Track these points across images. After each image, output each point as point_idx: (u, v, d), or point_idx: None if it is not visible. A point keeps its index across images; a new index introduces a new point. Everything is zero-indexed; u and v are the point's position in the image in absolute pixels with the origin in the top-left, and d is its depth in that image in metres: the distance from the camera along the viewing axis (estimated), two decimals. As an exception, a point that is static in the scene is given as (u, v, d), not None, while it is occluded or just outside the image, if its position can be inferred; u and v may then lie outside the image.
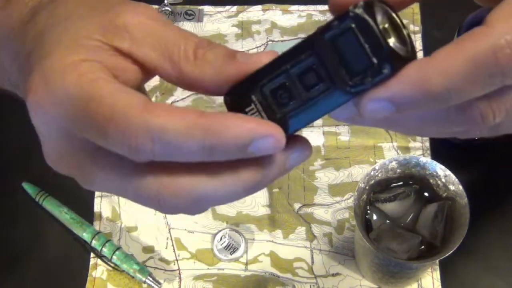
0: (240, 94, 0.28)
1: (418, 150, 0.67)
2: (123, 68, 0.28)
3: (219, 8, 0.77)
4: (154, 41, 0.28)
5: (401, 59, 0.25)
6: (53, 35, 0.28)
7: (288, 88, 0.27)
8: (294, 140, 0.28)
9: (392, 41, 0.25)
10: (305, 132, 0.68)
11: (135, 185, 0.27)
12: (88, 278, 0.62)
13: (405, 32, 0.26)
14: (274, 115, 0.28)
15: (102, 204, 0.66)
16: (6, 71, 0.32)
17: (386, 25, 0.25)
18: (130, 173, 0.27)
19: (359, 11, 0.25)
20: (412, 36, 0.30)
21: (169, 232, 0.64)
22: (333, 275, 0.62)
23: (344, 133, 0.68)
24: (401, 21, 0.26)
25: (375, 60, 0.25)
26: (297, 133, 0.29)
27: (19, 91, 0.31)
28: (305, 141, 0.29)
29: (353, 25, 0.25)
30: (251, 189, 0.27)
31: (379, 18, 0.25)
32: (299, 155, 0.28)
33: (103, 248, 0.62)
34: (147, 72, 0.29)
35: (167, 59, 0.28)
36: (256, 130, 0.25)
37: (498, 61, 0.23)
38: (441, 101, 0.25)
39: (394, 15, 0.26)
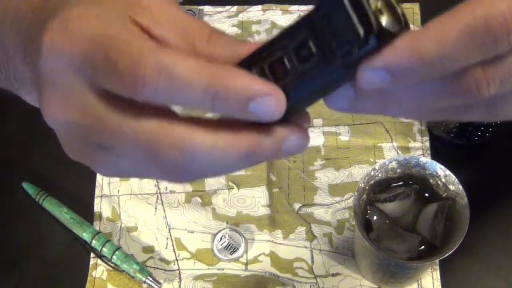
0: (243, 68, 0.29)
1: (418, 150, 0.67)
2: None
3: (219, 8, 0.77)
4: (173, 22, 0.29)
5: (389, 34, 0.26)
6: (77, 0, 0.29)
7: (284, 61, 0.28)
8: (294, 126, 0.28)
9: (383, 18, 0.26)
10: (305, 132, 0.68)
11: (134, 127, 0.27)
12: (88, 278, 0.62)
13: (399, 11, 0.27)
14: None
15: (102, 204, 0.66)
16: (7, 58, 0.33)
17: (379, 4, 0.26)
18: (131, 114, 0.27)
19: None
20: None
21: (169, 232, 0.64)
22: (333, 275, 0.62)
23: (344, 133, 0.68)
24: (396, 2, 0.27)
25: (361, 31, 0.26)
26: None
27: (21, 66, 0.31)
28: (304, 130, 0.29)
29: None
30: (246, 158, 0.27)
31: None
32: (296, 141, 0.28)
33: (103, 248, 0.62)
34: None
35: (183, 39, 0.29)
36: (260, 86, 0.26)
37: (490, 29, 0.24)
38: (435, 68, 0.25)
39: None
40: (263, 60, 0.29)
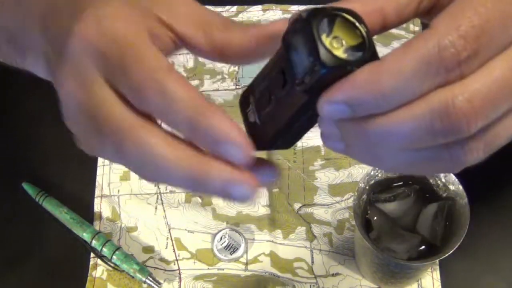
0: (245, 97, 0.32)
1: (418, 150, 0.67)
2: (161, 35, 0.32)
3: (219, 8, 0.77)
4: (191, 16, 0.33)
5: (344, 62, 0.27)
6: None
7: (268, 89, 0.30)
8: (247, 175, 0.30)
9: (338, 46, 0.27)
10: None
11: (119, 117, 0.30)
12: (88, 278, 0.62)
13: (362, 33, 0.28)
14: (260, 114, 0.31)
15: (102, 204, 0.66)
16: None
17: (336, 30, 0.28)
18: (124, 107, 0.30)
19: (304, 15, 0.28)
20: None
21: (169, 232, 0.64)
22: (333, 275, 0.62)
23: (344, 133, 0.68)
24: (358, 24, 0.28)
25: (311, 59, 0.27)
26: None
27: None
28: (257, 182, 0.30)
29: (297, 27, 0.28)
30: (193, 182, 0.29)
31: (324, 23, 0.27)
32: (241, 190, 0.30)
33: (103, 248, 0.62)
34: (181, 41, 0.33)
35: (201, 30, 0.33)
36: (227, 131, 0.28)
37: (442, 59, 0.25)
38: (393, 100, 0.26)
39: (351, 19, 0.28)
40: (255, 88, 0.31)
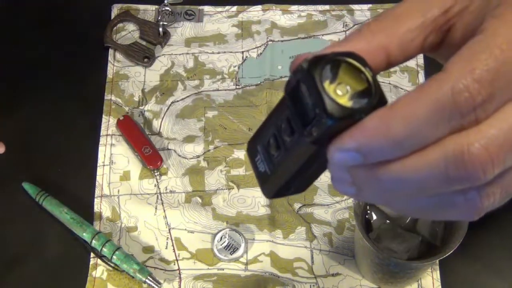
0: (252, 145, 0.31)
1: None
2: None
3: (219, 8, 0.77)
4: None
5: (350, 110, 0.26)
6: None
7: (275, 139, 0.29)
8: None
9: (344, 94, 0.26)
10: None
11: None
12: (88, 278, 0.62)
13: (367, 78, 0.27)
14: (270, 164, 0.30)
15: (102, 204, 0.66)
16: None
17: (341, 77, 0.27)
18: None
19: (305, 65, 0.27)
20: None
21: (169, 232, 0.64)
22: (333, 275, 0.62)
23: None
24: (364, 69, 0.27)
25: (317, 111, 0.26)
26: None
27: None
28: None
29: (299, 79, 0.27)
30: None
31: (326, 71, 0.26)
32: None
33: (103, 248, 0.62)
34: None
35: None
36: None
37: (456, 104, 0.24)
38: (405, 146, 0.25)
39: (356, 64, 0.27)
40: (262, 138, 0.30)
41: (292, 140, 0.28)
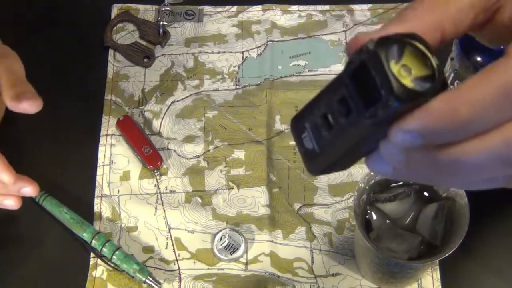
0: (299, 122, 0.31)
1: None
2: None
3: (219, 8, 0.77)
4: None
5: (415, 93, 0.26)
6: None
7: (327, 117, 0.29)
8: None
9: (409, 77, 0.26)
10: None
11: None
12: (88, 278, 0.62)
13: (432, 62, 0.27)
14: (320, 141, 0.30)
15: (102, 204, 0.66)
16: None
17: (405, 59, 0.27)
18: None
19: (371, 45, 0.27)
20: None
21: (169, 232, 0.64)
22: (333, 275, 0.62)
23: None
24: (428, 54, 0.27)
25: (383, 93, 0.26)
26: None
27: None
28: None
29: (365, 59, 0.27)
30: None
31: (392, 53, 0.26)
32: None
33: (103, 248, 0.62)
34: None
35: None
36: None
37: None
38: (469, 130, 0.26)
39: (421, 47, 0.27)
40: (313, 116, 0.30)
41: (348, 120, 0.28)
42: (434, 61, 0.27)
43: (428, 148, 0.27)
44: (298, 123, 0.31)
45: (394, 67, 0.26)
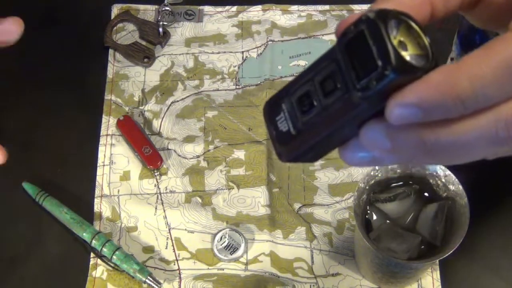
0: (273, 104, 0.30)
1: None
2: None
3: (219, 8, 0.77)
4: None
5: (411, 67, 0.26)
6: None
7: (310, 95, 0.28)
8: None
9: (406, 51, 0.26)
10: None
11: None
12: (88, 278, 0.62)
13: (425, 42, 0.27)
14: (297, 123, 0.29)
15: (102, 204, 0.66)
16: None
17: (400, 35, 0.26)
18: None
19: (372, 15, 0.26)
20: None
21: (169, 232, 0.64)
22: (333, 275, 0.62)
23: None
24: (422, 34, 0.27)
25: (379, 63, 0.25)
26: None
27: None
28: None
29: (363, 28, 0.26)
30: None
31: (391, 25, 0.26)
32: None
33: (103, 248, 0.62)
34: None
35: None
36: None
37: None
38: (469, 105, 0.25)
39: (415, 27, 0.27)
40: (291, 95, 0.29)
41: (333, 97, 0.27)
42: (427, 41, 0.27)
43: (417, 129, 0.26)
44: (272, 105, 0.30)
45: (394, 40, 0.26)
